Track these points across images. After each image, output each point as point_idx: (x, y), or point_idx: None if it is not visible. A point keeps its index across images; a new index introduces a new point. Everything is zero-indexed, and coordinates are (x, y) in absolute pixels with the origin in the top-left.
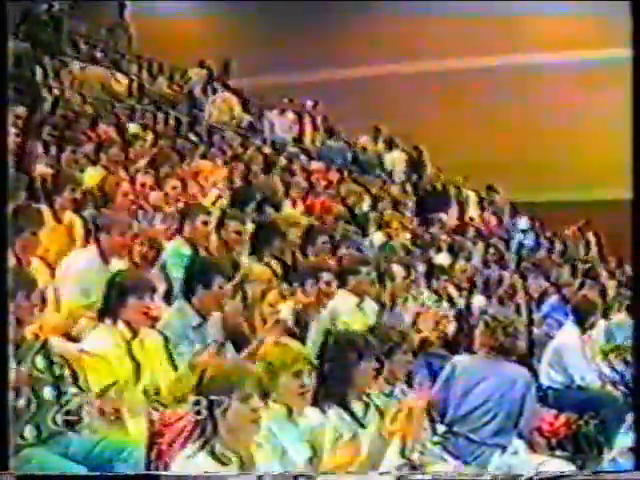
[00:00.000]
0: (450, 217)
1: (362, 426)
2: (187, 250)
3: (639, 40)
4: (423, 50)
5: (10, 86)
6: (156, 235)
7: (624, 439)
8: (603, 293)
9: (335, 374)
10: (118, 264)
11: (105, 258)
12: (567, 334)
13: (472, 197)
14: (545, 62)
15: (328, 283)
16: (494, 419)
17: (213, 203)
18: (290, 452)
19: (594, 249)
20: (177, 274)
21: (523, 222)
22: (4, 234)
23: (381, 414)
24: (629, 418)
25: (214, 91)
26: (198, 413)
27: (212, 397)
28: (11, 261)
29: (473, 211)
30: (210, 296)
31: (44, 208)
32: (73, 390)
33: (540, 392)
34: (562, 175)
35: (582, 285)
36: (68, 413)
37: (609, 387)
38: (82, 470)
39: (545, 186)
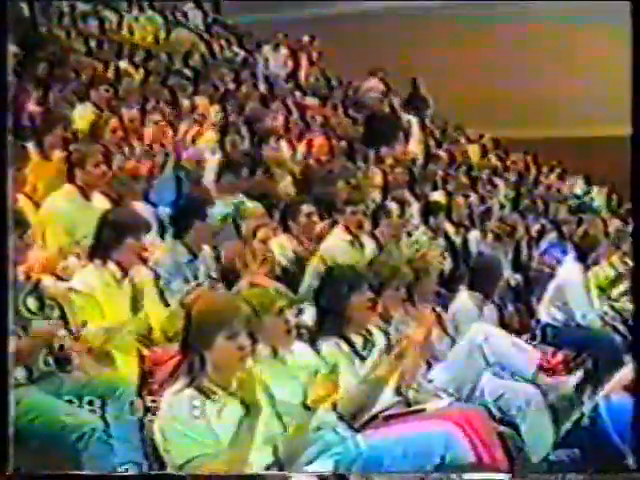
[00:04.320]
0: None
1: (362, 358)
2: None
3: None
4: None
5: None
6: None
7: (619, 377)
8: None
9: (331, 309)
10: (100, 199)
11: (85, 194)
12: (569, 271)
13: (414, 124)
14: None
15: (309, 215)
16: None
17: None
18: (277, 391)
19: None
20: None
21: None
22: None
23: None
24: (627, 359)
25: (208, 27)
26: (185, 351)
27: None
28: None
29: (416, 138)
30: (204, 229)
31: (30, 145)
32: (62, 331)
33: (539, 329)
34: (561, 111)
35: (580, 222)
36: (59, 353)
37: (609, 327)
38: (73, 407)
39: (544, 122)
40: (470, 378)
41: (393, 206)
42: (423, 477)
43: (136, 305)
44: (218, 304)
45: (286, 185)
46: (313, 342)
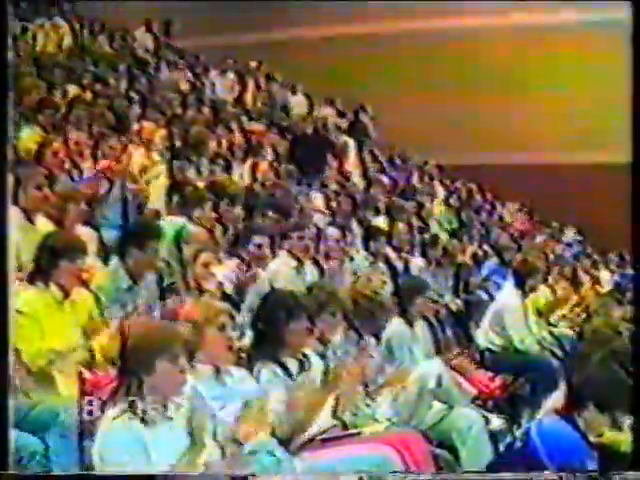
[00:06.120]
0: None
1: (296, 382)
2: None
3: None
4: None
5: None
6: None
7: (552, 401)
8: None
9: (268, 333)
10: (44, 222)
11: (29, 217)
12: (507, 296)
13: (351, 145)
14: (544, 23)
15: (259, 246)
16: None
17: None
18: (218, 413)
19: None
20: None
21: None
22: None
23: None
24: (562, 383)
25: (158, 50)
26: (123, 375)
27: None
28: None
29: (352, 161)
30: (143, 259)
31: None
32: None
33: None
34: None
35: (519, 248)
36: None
37: (547, 352)
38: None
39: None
40: (419, 415)
41: (335, 231)
42: None
43: (77, 328)
44: (156, 328)
45: (231, 209)
46: (250, 366)
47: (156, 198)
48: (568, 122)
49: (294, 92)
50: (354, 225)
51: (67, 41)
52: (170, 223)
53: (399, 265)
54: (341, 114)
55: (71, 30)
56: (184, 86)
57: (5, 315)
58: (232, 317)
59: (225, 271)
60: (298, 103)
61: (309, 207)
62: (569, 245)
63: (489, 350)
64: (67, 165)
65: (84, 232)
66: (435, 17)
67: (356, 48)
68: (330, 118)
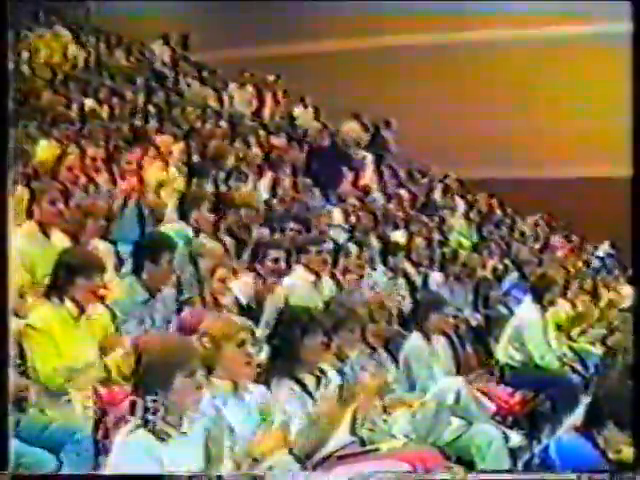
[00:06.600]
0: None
1: (313, 398)
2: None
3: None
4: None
5: None
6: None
7: (573, 418)
8: (564, 270)
9: (283, 349)
10: (60, 237)
11: (45, 231)
12: (527, 311)
13: (369, 159)
14: (546, 35)
15: (276, 260)
16: None
17: None
18: (237, 428)
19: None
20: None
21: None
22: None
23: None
24: (584, 400)
25: (175, 64)
26: (138, 391)
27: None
28: None
29: (369, 175)
30: (158, 272)
31: None
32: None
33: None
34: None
35: (540, 262)
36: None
37: (567, 368)
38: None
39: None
40: (437, 432)
41: (353, 246)
42: None
43: (92, 343)
44: (172, 344)
45: (251, 224)
46: (266, 382)
47: (173, 212)
48: (587, 136)
49: (306, 105)
50: (373, 240)
51: (72, 50)
52: (175, 230)
53: (418, 280)
54: (366, 128)
55: (75, 38)
56: (211, 100)
57: (5, 324)
58: (252, 333)
59: (241, 285)
60: (315, 116)
61: (327, 221)
62: (599, 258)
63: (509, 366)
64: (83, 179)
65: (100, 247)
66: (453, 30)
67: (374, 61)
68: (353, 133)
